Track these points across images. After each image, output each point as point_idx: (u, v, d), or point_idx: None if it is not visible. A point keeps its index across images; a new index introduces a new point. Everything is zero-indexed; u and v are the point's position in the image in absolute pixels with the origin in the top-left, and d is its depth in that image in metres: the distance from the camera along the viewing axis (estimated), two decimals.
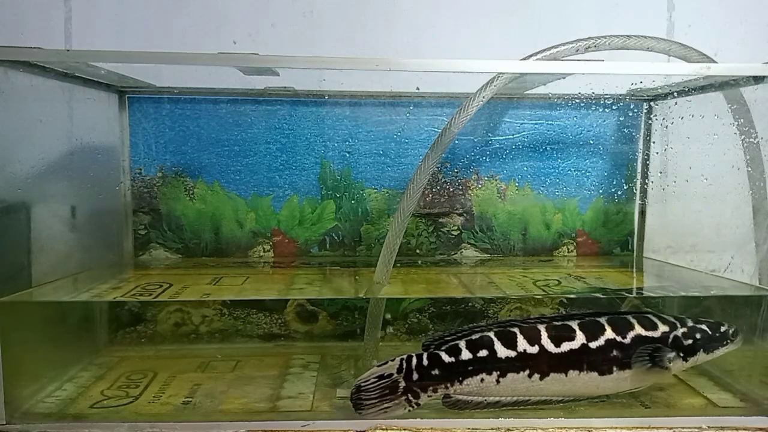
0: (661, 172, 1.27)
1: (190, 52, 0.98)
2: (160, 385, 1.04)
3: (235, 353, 1.21)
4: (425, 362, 0.89)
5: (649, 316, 0.96)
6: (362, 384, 0.89)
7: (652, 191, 1.29)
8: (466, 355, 0.89)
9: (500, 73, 0.95)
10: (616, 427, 0.90)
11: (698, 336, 0.95)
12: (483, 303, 1.29)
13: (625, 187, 1.30)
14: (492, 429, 0.89)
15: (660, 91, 1.22)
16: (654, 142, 1.28)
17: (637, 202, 1.31)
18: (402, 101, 1.25)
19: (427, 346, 0.92)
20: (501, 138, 1.28)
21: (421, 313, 1.29)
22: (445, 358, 0.89)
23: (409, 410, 0.89)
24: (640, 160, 1.29)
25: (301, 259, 1.28)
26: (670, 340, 0.93)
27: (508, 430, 0.89)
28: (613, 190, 1.30)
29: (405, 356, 0.90)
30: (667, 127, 1.25)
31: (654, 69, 1.03)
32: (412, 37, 1.28)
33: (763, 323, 0.99)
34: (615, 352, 0.91)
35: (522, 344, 0.90)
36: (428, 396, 0.89)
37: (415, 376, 0.89)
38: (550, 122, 1.28)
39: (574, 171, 1.29)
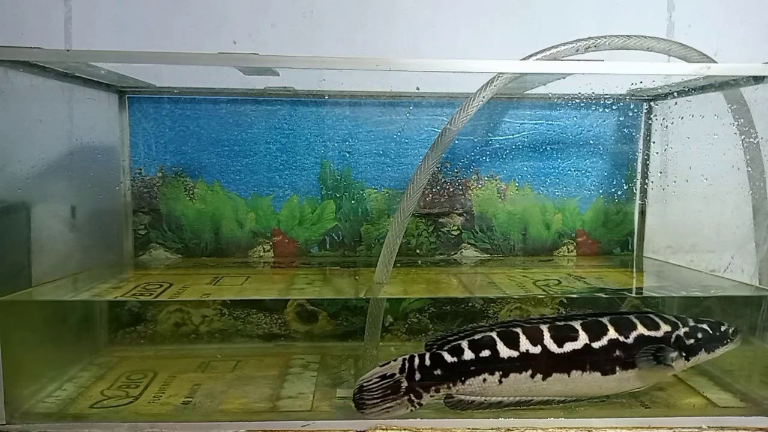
0: (661, 172, 1.27)
1: (190, 52, 0.98)
2: (160, 385, 1.04)
3: (235, 353, 1.21)
4: (428, 362, 0.89)
5: (651, 315, 0.96)
6: (365, 384, 0.89)
7: (652, 191, 1.29)
8: (468, 355, 0.89)
9: (500, 73, 0.95)
10: (616, 427, 0.90)
11: (700, 335, 0.95)
12: (483, 303, 1.29)
13: (625, 187, 1.30)
14: (492, 429, 0.89)
15: (660, 91, 1.22)
16: (654, 142, 1.28)
17: (637, 202, 1.31)
18: (402, 101, 1.25)
19: (429, 346, 0.92)
20: (501, 138, 1.28)
21: (421, 313, 1.29)
22: (448, 358, 0.89)
23: (412, 410, 0.89)
24: (640, 160, 1.29)
25: (301, 259, 1.28)
26: (672, 339, 0.93)
27: (508, 430, 0.89)
28: (613, 190, 1.30)
29: (407, 356, 0.90)
30: (667, 127, 1.25)
31: (654, 69, 1.03)
32: (412, 37, 1.28)
33: (763, 323, 0.99)
34: (618, 352, 0.91)
35: (525, 344, 0.90)
36: (431, 396, 0.89)
37: (418, 376, 0.89)
38: (550, 122, 1.28)
39: (574, 171, 1.29)
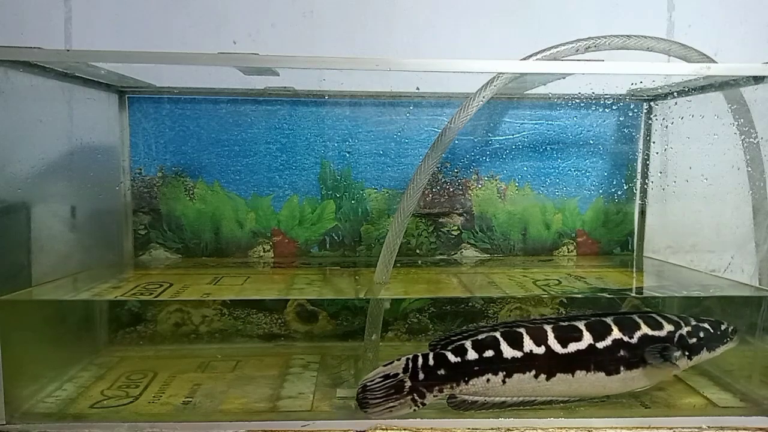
0: (661, 172, 1.27)
1: (190, 52, 0.98)
2: (160, 385, 1.04)
3: (235, 353, 1.21)
4: (431, 362, 0.89)
5: (653, 315, 0.96)
6: (368, 383, 0.88)
7: (652, 191, 1.29)
8: (472, 355, 0.89)
9: (500, 73, 0.95)
10: (616, 427, 0.90)
11: (702, 335, 0.95)
12: (483, 303, 1.29)
13: (625, 187, 1.30)
14: (492, 429, 0.89)
15: (660, 91, 1.22)
16: (654, 142, 1.28)
17: (637, 202, 1.31)
18: (402, 101, 1.25)
19: (433, 346, 0.92)
20: (501, 138, 1.28)
21: (421, 313, 1.29)
22: (451, 358, 0.89)
23: (415, 410, 0.89)
24: (640, 160, 1.29)
25: (301, 259, 1.28)
26: (675, 339, 0.94)
27: (508, 430, 0.89)
28: (613, 190, 1.30)
29: (411, 356, 0.90)
30: (667, 127, 1.25)
31: (654, 69, 1.03)
32: (412, 37, 1.28)
33: (763, 323, 0.99)
34: (622, 352, 0.91)
35: (528, 344, 0.90)
36: (434, 396, 0.89)
37: (421, 375, 0.88)
38: (550, 122, 1.28)
39: (574, 171, 1.29)
